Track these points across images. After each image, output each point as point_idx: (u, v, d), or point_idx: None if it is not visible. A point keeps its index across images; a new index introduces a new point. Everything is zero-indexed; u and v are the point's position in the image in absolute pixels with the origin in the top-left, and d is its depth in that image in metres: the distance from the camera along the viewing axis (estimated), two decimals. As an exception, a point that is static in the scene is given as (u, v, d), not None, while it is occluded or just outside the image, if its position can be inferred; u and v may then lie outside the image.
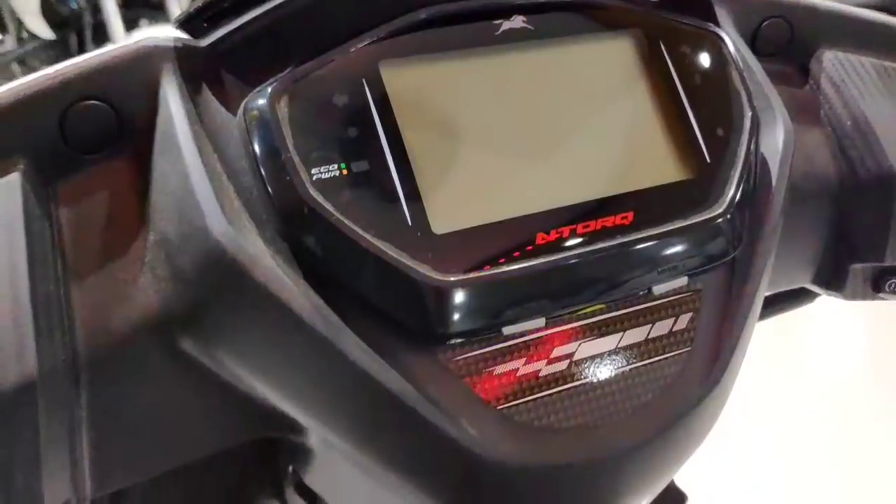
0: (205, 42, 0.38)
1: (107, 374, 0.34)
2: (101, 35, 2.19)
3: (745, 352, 0.43)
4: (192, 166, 0.34)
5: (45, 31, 2.37)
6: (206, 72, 0.37)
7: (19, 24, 2.61)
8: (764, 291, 0.44)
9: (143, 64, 0.36)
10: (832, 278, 0.53)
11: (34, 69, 2.84)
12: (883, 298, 0.54)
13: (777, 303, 0.60)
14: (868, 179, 0.49)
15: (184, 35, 0.38)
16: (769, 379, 2.07)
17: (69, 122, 0.35)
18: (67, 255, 0.35)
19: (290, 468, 0.50)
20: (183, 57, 0.37)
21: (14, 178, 0.33)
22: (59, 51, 2.49)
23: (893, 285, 0.53)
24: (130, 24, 2.35)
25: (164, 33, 0.38)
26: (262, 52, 0.38)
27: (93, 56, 0.35)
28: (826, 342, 2.35)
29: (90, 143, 0.35)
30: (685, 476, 0.48)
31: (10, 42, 2.85)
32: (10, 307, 0.31)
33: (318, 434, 0.38)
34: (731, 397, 0.43)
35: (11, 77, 2.92)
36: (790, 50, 0.50)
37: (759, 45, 0.49)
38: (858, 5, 0.56)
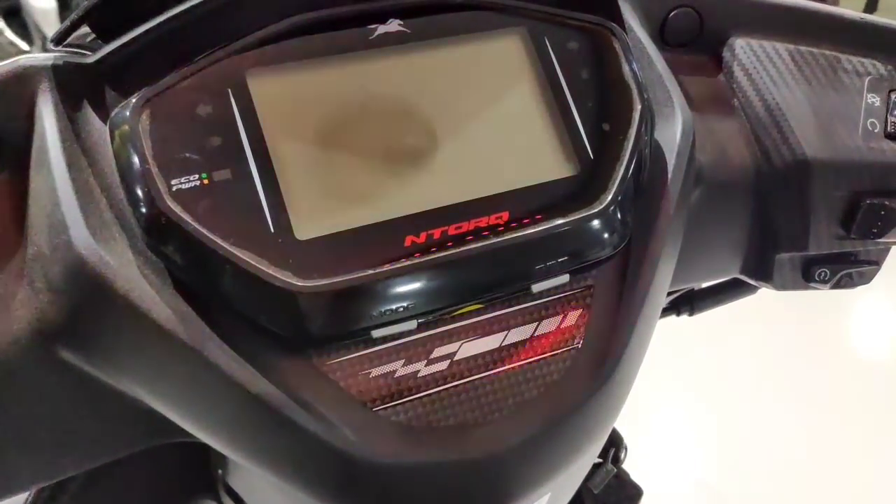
0: (91, 59, 0.39)
1: None
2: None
3: (643, 347, 0.43)
4: (60, 180, 0.35)
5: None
6: (88, 88, 0.38)
7: (44, 36, 2.67)
8: (665, 285, 0.44)
9: (19, 84, 0.37)
10: (759, 269, 0.52)
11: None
12: (815, 288, 0.53)
13: (715, 294, 0.60)
14: (784, 167, 0.48)
15: (65, 53, 0.39)
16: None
17: None
18: None
19: (219, 470, 0.52)
20: (61, 74, 0.38)
21: None
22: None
23: (823, 274, 0.52)
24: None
25: (48, 53, 0.39)
26: (142, 67, 0.39)
27: None
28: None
29: None
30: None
31: (35, 53, 2.92)
32: None
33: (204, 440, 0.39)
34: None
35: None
36: (701, 39, 0.50)
37: (667, 35, 0.49)
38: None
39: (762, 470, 1.88)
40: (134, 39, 0.38)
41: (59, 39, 0.38)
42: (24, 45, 3.13)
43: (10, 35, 3.19)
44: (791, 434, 1.96)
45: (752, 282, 0.54)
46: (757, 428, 1.99)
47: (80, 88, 0.38)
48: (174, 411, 0.37)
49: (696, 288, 0.61)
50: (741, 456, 1.92)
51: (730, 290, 0.59)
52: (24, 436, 0.38)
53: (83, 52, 0.39)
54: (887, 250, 0.53)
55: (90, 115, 0.38)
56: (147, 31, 0.38)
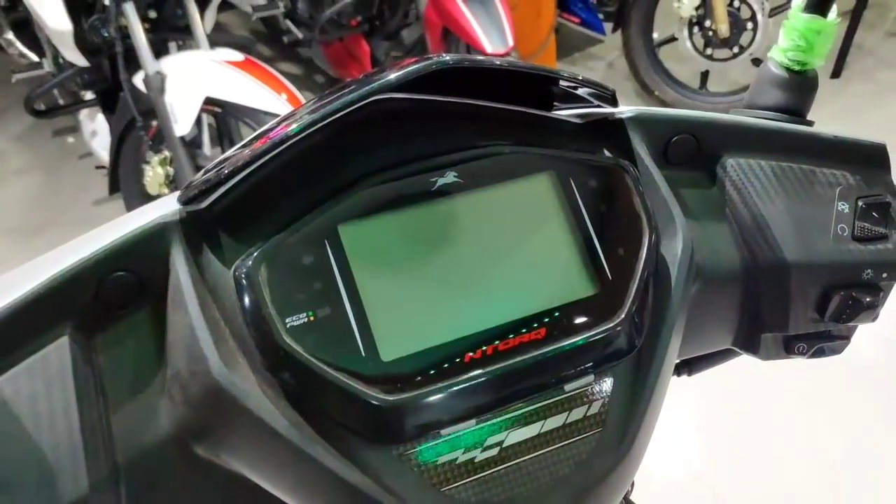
0: (202, 205, 0.48)
1: (141, 478, 0.46)
2: (131, 59, 2.31)
3: (654, 423, 0.53)
4: (196, 319, 0.45)
5: (79, 60, 2.51)
6: (206, 234, 0.48)
7: (55, 48, 2.75)
8: (671, 367, 0.54)
9: (156, 239, 0.46)
10: (748, 344, 0.62)
11: (73, 93, 2.99)
12: (794, 357, 0.63)
13: (707, 360, 0.70)
14: (767, 267, 0.58)
15: (185, 207, 0.48)
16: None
17: (102, 291, 0.46)
18: (107, 392, 0.46)
19: None
20: (186, 225, 0.47)
21: (63, 342, 0.44)
22: (93, 75, 2.63)
23: (802, 348, 0.62)
24: (159, 47, 2.46)
25: (170, 205, 0.48)
26: (247, 213, 0.48)
27: (117, 234, 0.46)
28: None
29: (119, 303, 0.46)
30: None
31: (46, 65, 3.00)
32: (66, 440, 0.42)
33: None
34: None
35: (54, 101, 3.08)
36: (698, 159, 0.59)
37: (670, 156, 0.58)
38: (765, 108, 0.64)
39: (759, 465, 1.99)
40: (232, 188, 0.47)
41: (187, 201, 0.47)
42: (33, 57, 3.20)
43: (20, 46, 3.26)
44: (790, 431, 2.06)
45: (741, 352, 0.64)
46: (754, 422, 2.08)
47: (200, 235, 0.48)
48: (283, 492, 0.47)
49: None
50: (740, 452, 2.02)
51: (721, 356, 0.69)
52: None
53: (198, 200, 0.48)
54: (856, 327, 0.63)
55: (211, 259, 0.47)
56: (239, 182, 0.47)
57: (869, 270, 0.58)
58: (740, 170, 0.59)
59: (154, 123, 2.36)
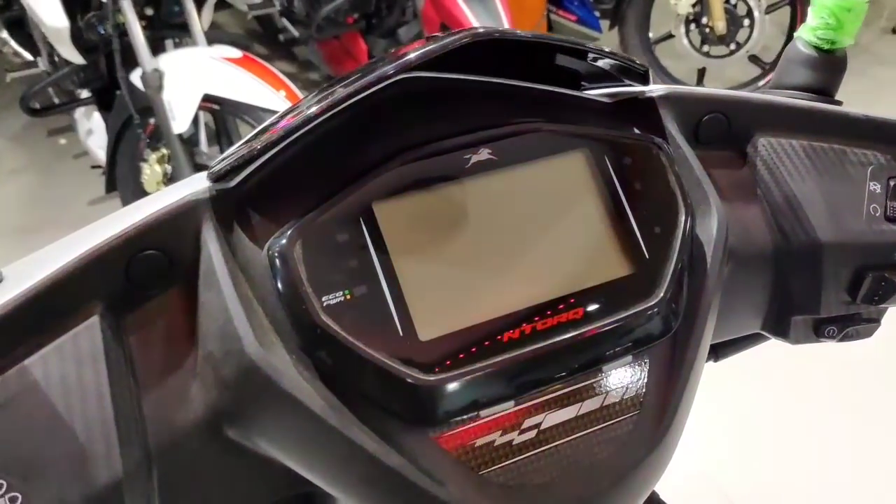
0: (233, 182, 0.47)
1: (173, 462, 0.45)
2: (129, 57, 2.29)
3: (689, 407, 0.52)
4: (230, 298, 0.43)
5: (76, 58, 2.49)
6: (237, 212, 0.47)
7: (50, 46, 2.73)
8: (706, 349, 0.53)
9: (186, 217, 0.45)
10: (777, 328, 0.61)
11: (69, 92, 2.97)
12: (824, 341, 0.62)
13: (735, 344, 0.69)
14: (799, 248, 0.57)
15: (216, 184, 0.47)
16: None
17: (132, 270, 0.44)
18: (138, 374, 0.44)
19: None
20: (217, 202, 0.46)
21: (93, 321, 0.43)
22: (90, 74, 2.61)
23: (832, 331, 0.61)
24: (156, 44, 2.44)
25: (199, 183, 0.47)
26: (278, 191, 0.47)
27: (146, 213, 0.45)
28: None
29: (149, 283, 0.45)
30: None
31: (41, 63, 2.98)
32: (99, 424, 0.41)
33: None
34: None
35: (50, 100, 3.06)
36: (729, 138, 0.58)
37: (700, 136, 0.58)
38: (792, 88, 0.64)
39: (767, 464, 1.99)
40: (262, 165, 0.46)
41: (217, 178, 0.46)
42: (28, 56, 3.18)
43: (14, 45, 3.24)
44: (794, 430, 2.06)
45: (770, 336, 0.63)
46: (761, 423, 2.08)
47: (231, 213, 0.46)
48: (318, 475, 0.46)
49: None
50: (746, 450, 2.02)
51: (749, 341, 0.68)
52: (190, 501, 0.47)
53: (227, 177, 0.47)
54: (886, 309, 0.62)
55: (242, 237, 0.46)
56: (270, 160, 0.46)
57: None
58: (771, 149, 0.58)
59: (151, 121, 2.35)
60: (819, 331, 0.61)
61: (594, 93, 0.55)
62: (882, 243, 0.57)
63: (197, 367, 0.45)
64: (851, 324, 0.61)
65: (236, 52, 2.36)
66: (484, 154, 0.49)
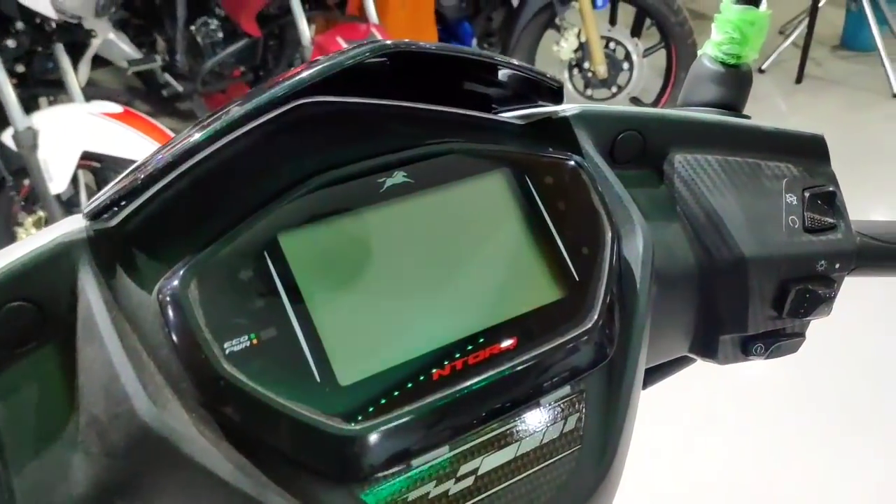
0: (114, 221, 0.41)
1: None
2: (-2, 116, 2.16)
3: (630, 437, 0.49)
4: (114, 352, 0.37)
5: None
6: (119, 253, 0.41)
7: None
8: (641, 381, 0.50)
9: (59, 261, 0.39)
10: (705, 348, 0.59)
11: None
12: (752, 359, 0.60)
13: (662, 370, 0.67)
14: (723, 264, 0.56)
15: (93, 223, 0.41)
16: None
17: None
18: (6, 451, 0.38)
19: None
20: (95, 244, 0.40)
21: None
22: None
23: (759, 348, 0.60)
24: (28, 103, 2.32)
25: (74, 224, 0.41)
26: (168, 226, 0.42)
27: (13, 258, 0.39)
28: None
29: (16, 340, 0.39)
30: None
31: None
32: None
33: None
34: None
35: None
36: (645, 156, 0.56)
37: (616, 155, 0.56)
38: (701, 104, 0.63)
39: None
40: (149, 200, 0.41)
41: (95, 216, 0.40)
42: None
43: None
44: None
45: (698, 358, 0.61)
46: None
47: (113, 255, 0.41)
48: None
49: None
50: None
51: (677, 364, 0.66)
52: None
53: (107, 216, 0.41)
54: (809, 323, 0.61)
55: (127, 281, 0.40)
56: (157, 193, 0.41)
57: (823, 261, 0.57)
58: (688, 165, 0.57)
59: (26, 182, 2.22)
60: (746, 349, 0.59)
61: (507, 115, 0.53)
62: (803, 255, 0.56)
63: (79, 435, 0.39)
64: (777, 339, 0.60)
65: (117, 108, 2.26)
66: (399, 177, 0.45)
